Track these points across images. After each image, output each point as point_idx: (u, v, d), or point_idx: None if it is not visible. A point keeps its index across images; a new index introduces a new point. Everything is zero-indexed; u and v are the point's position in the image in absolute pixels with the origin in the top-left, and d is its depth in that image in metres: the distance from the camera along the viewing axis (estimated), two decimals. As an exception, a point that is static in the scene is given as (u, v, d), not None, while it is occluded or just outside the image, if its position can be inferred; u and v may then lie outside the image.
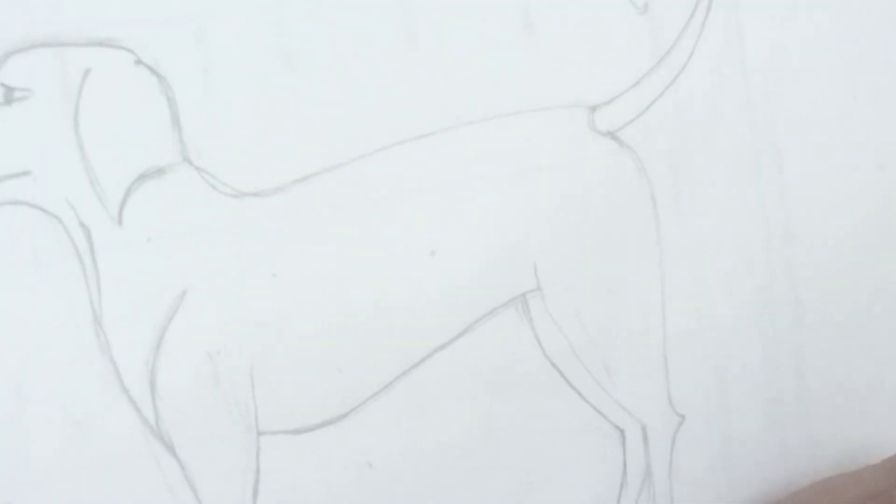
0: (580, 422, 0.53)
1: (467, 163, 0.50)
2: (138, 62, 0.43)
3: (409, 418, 0.49)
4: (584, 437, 0.53)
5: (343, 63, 0.47)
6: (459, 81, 0.49)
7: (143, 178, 0.44)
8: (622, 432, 0.54)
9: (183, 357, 0.44)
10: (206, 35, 0.44)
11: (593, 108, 0.52)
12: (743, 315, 0.56)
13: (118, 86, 0.43)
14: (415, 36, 0.48)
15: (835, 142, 0.57)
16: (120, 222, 0.43)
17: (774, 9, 0.55)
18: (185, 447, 0.44)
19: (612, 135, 0.53)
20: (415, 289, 0.49)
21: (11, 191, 0.42)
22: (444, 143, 0.49)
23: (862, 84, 0.57)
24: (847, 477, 0.53)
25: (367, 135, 0.48)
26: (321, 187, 0.47)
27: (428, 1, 0.48)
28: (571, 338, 0.52)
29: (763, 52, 0.55)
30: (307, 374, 0.47)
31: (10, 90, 0.41)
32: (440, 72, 0.49)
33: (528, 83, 0.51)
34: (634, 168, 0.53)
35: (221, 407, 0.45)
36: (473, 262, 0.50)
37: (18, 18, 0.41)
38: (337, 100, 0.47)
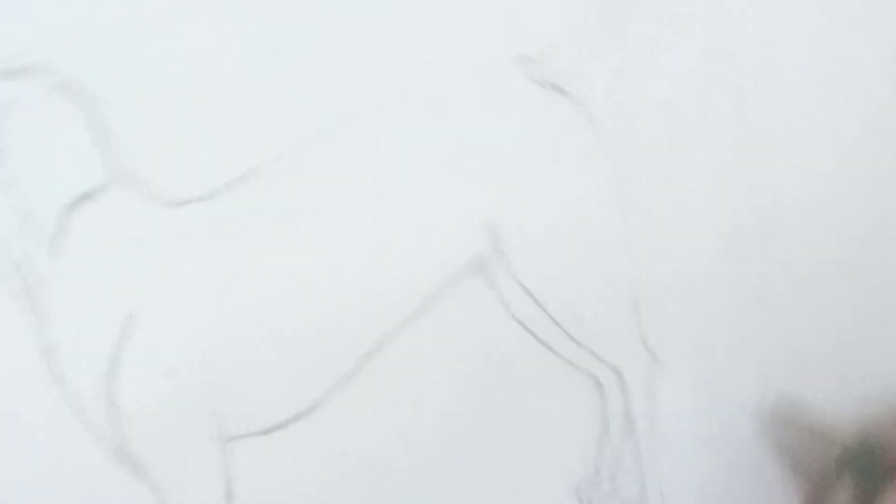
0: (555, 378, 0.52)
1: (409, 134, 0.49)
2: (58, 86, 0.42)
3: (378, 402, 0.48)
4: (561, 392, 0.53)
5: (267, 52, 0.45)
6: (391, 50, 0.48)
7: (76, 203, 0.43)
8: (599, 382, 0.53)
9: (142, 377, 0.44)
10: (123, 48, 0.43)
11: (530, 59, 0.51)
12: (711, 247, 0.56)
13: (40, 114, 0.41)
14: (339, 9, 0.47)
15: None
16: (58, 253, 0.42)
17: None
18: (155, 466, 0.44)
19: (552, 84, 0.51)
20: (368, 269, 0.48)
21: (-57, 235, 0.41)
22: (383, 118, 0.48)
23: (847, 67, 0.57)
24: None
25: (302, 120, 0.46)
26: (260, 182, 0.46)
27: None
28: (538, 296, 0.51)
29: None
30: (269, 372, 0.46)
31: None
32: (370, 43, 0.47)
33: (462, 42, 0.49)
34: (579, 115, 0.52)
35: (186, 420, 0.44)
36: (426, 232, 0.49)
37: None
38: (265, 90, 0.46)
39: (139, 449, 0.44)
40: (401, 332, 0.49)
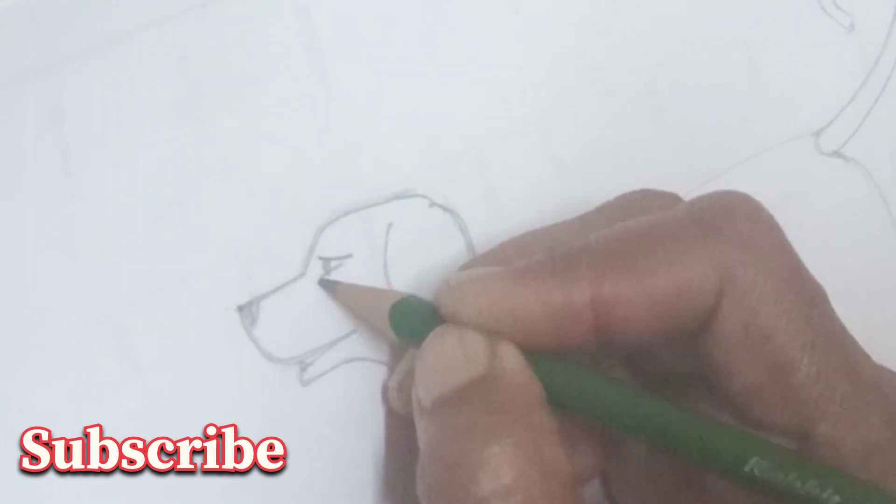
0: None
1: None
2: (432, 205, 0.45)
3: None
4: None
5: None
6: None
7: None
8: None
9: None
10: (486, 166, 0.46)
11: (817, 133, 0.53)
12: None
13: (416, 230, 0.44)
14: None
15: None
16: None
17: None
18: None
19: (836, 153, 0.54)
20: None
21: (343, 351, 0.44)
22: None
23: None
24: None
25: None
26: None
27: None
28: None
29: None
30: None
31: (327, 261, 0.42)
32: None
33: (763, 125, 0.52)
34: (862, 178, 0.54)
35: None
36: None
37: (327, 195, 0.43)
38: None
39: None
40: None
